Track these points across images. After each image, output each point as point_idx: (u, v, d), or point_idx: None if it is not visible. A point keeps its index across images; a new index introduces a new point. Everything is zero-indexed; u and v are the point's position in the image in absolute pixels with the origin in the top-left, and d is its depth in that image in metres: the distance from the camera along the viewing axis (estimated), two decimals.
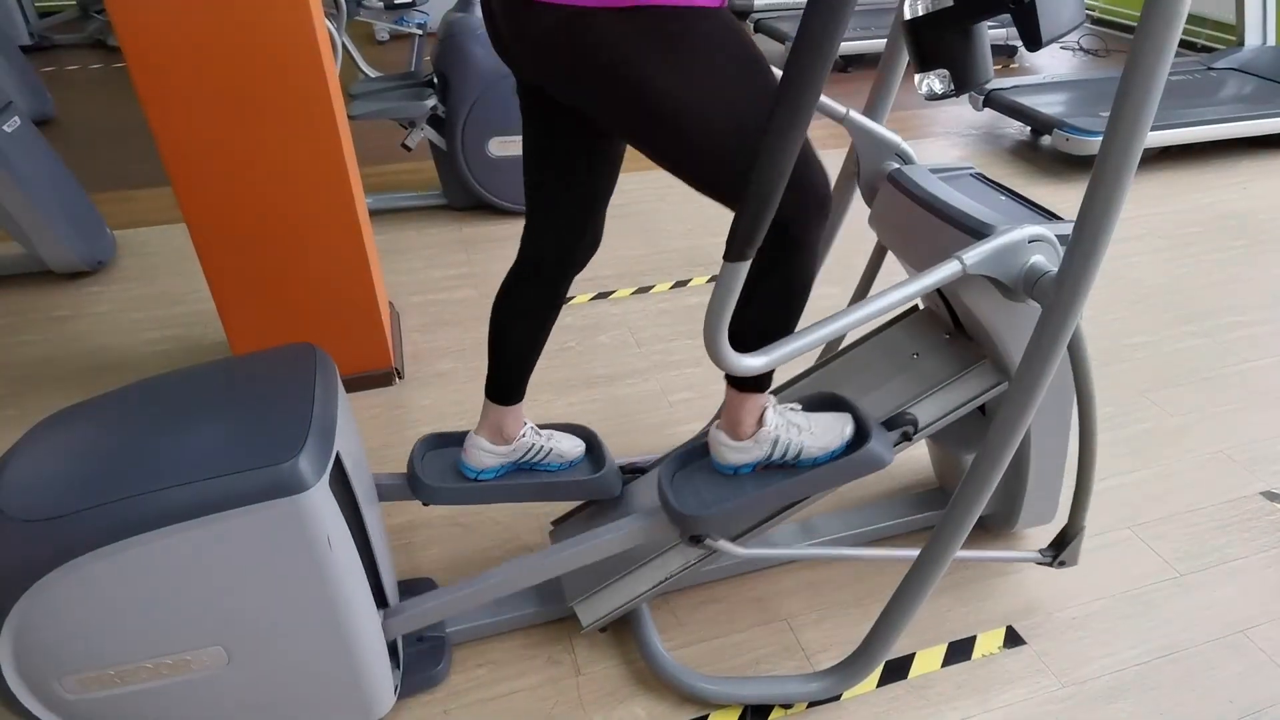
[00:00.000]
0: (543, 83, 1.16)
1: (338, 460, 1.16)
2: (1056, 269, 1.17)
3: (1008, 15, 0.93)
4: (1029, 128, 3.97)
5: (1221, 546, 1.75)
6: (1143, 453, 2.02)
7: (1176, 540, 1.77)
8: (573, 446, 1.56)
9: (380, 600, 1.32)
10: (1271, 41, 4.40)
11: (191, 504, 1.04)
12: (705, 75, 1.04)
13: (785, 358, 1.05)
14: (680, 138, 1.07)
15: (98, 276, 2.87)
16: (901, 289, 1.10)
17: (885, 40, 1.46)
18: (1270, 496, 1.88)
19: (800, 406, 1.38)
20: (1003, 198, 1.40)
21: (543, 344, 1.47)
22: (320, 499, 1.09)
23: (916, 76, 1.05)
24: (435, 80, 3.09)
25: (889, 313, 1.13)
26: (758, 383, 1.28)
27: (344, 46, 3.74)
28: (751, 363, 1.03)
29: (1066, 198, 3.37)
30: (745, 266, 0.93)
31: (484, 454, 1.48)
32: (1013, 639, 1.56)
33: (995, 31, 4.95)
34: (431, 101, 2.97)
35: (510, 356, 1.45)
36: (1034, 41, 0.89)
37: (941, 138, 4.08)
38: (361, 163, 2.53)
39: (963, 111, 4.37)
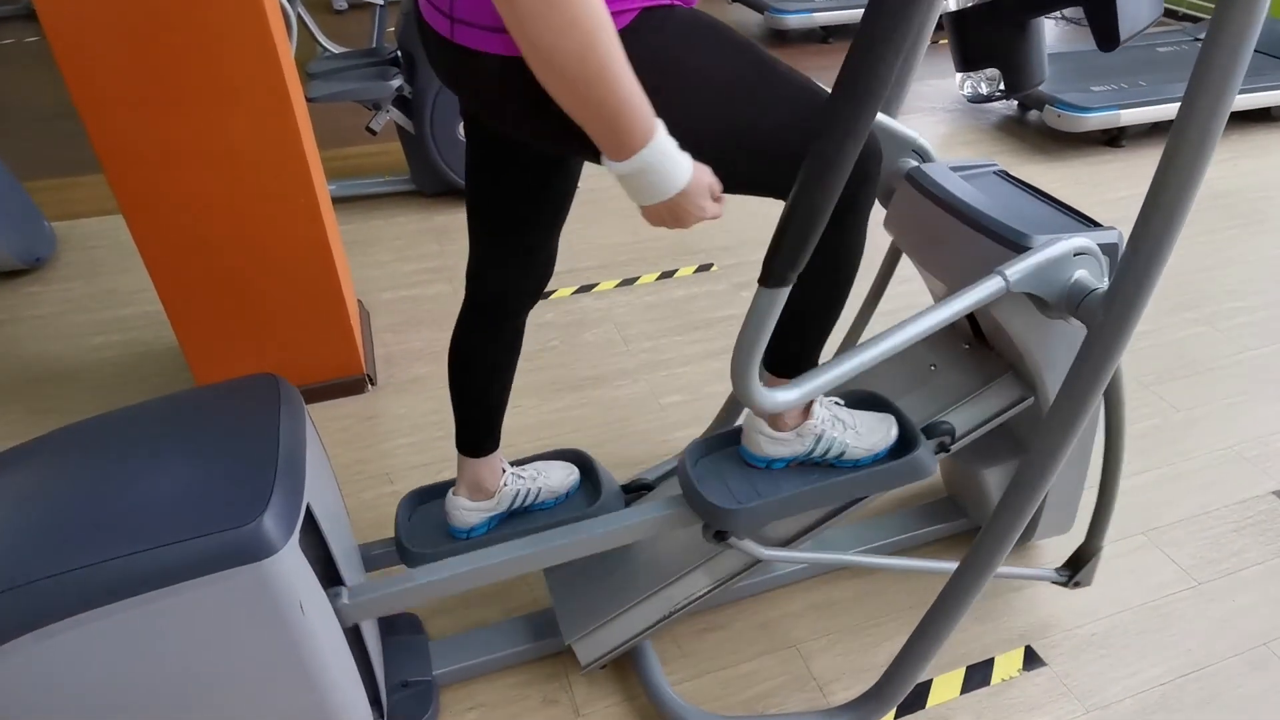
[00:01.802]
0: (490, 125, 1.03)
1: (309, 513, 1.03)
2: (1101, 284, 1.07)
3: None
4: (1017, 103, 3.87)
5: (1239, 551, 1.70)
6: (1151, 452, 1.95)
7: (1192, 546, 1.71)
8: (564, 477, 1.44)
9: (362, 652, 1.20)
10: None
11: (143, 576, 0.90)
12: (684, 89, 0.90)
13: (819, 389, 0.93)
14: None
15: (36, 275, 2.65)
16: (941, 311, 0.99)
17: None
18: None
19: (844, 402, 1.27)
20: (1032, 200, 1.30)
21: (509, 386, 1.34)
22: (289, 562, 0.95)
23: (959, 76, 0.92)
24: (400, 58, 2.89)
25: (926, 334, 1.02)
26: (803, 366, 1.13)
27: (299, 19, 3.50)
28: (785, 397, 0.91)
29: (1058, 177, 3.29)
30: (785, 293, 0.81)
31: (467, 513, 1.36)
32: (1032, 660, 1.49)
33: None
34: (397, 82, 2.77)
35: (476, 404, 1.32)
36: (1110, 39, 0.77)
37: (926, 113, 3.96)
38: (322, 145, 2.35)
39: (947, 84, 4.25)
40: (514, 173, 1.12)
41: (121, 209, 1.75)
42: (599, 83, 0.76)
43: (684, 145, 0.87)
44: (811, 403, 1.18)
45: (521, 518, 1.41)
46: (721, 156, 0.93)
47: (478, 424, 1.34)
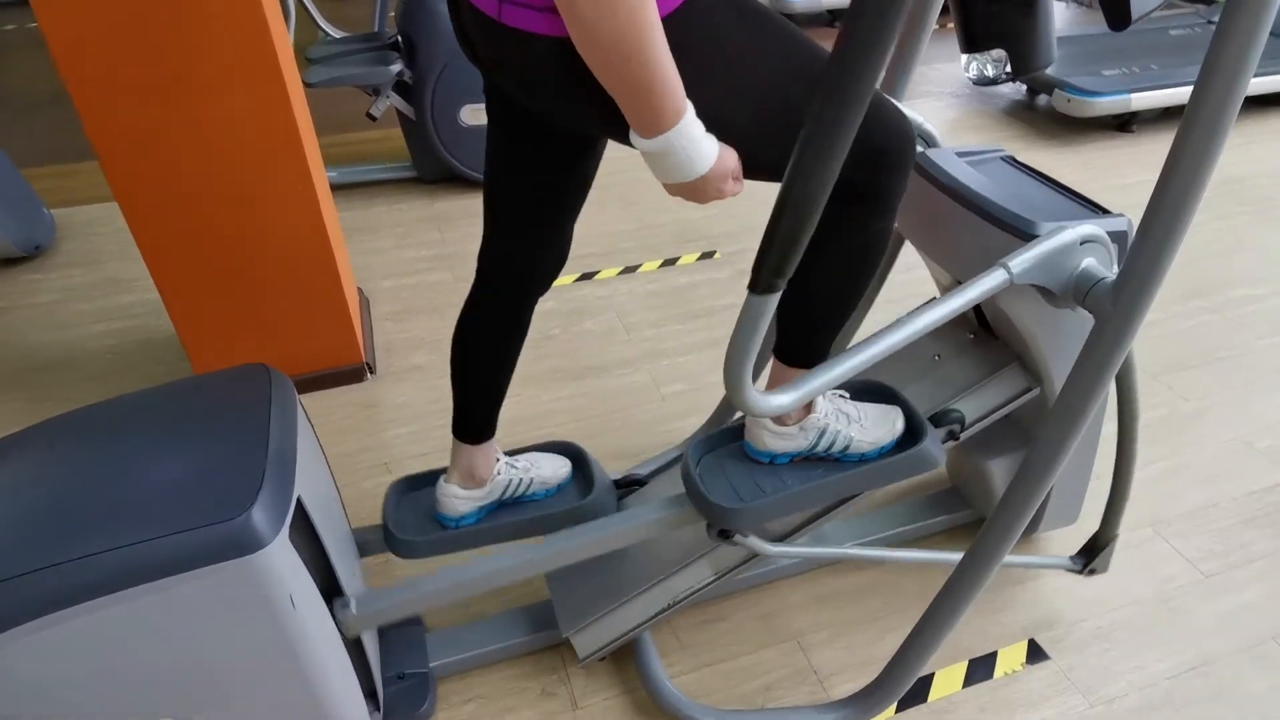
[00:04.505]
0: (530, 106, 1.01)
1: (299, 506, 1.01)
2: (1110, 273, 1.05)
3: None
4: (1025, 87, 3.81)
5: (1246, 544, 1.67)
6: (1160, 442, 1.93)
7: (1200, 538, 1.69)
8: (556, 469, 1.42)
9: (356, 647, 1.19)
10: None
11: (128, 571, 0.89)
12: (718, 76, 0.90)
13: (816, 391, 0.91)
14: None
15: (36, 263, 2.64)
16: (943, 306, 0.97)
17: None
18: None
19: (848, 395, 1.24)
20: (1040, 186, 1.26)
21: (511, 373, 1.33)
22: (279, 556, 0.94)
23: (964, 58, 0.89)
24: (400, 42, 2.86)
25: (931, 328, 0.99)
26: (817, 355, 1.12)
27: (298, 2, 3.46)
28: (780, 400, 0.89)
29: (1067, 162, 3.24)
30: (774, 299, 0.79)
31: (458, 501, 1.34)
32: (1035, 653, 1.48)
33: None
34: (397, 67, 2.74)
35: (477, 390, 1.31)
36: (1121, 19, 0.74)
37: (934, 98, 3.90)
38: (322, 131, 2.34)
39: (954, 69, 4.19)
40: (537, 158, 1.11)
41: (116, 197, 1.73)
42: (636, 59, 0.77)
43: (713, 128, 0.87)
44: (815, 397, 1.16)
45: (511, 508, 1.40)
46: (748, 145, 0.92)
47: (477, 410, 1.33)
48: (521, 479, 1.38)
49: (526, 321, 1.29)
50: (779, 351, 1.15)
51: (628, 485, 1.52)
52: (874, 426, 1.20)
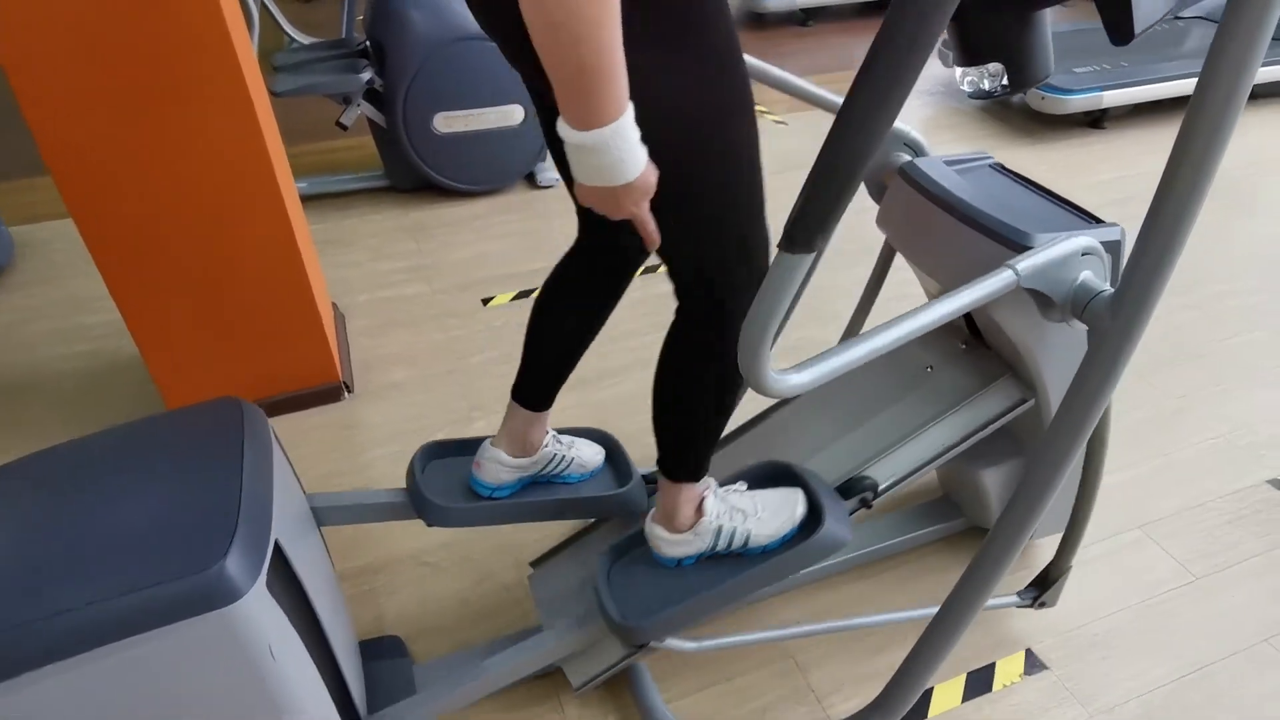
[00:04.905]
0: (522, 74, 0.98)
1: (278, 549, 0.96)
2: (1106, 286, 1.03)
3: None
4: None
5: (1235, 544, 1.68)
6: (1144, 442, 1.93)
7: (1188, 539, 1.69)
8: (594, 455, 1.41)
9: (341, 690, 1.14)
10: None
11: (96, 630, 0.84)
12: (685, 63, 0.87)
13: (838, 369, 0.86)
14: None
15: None
16: (946, 304, 0.93)
17: None
18: (1277, 485, 1.81)
19: (745, 485, 1.25)
20: (1030, 194, 1.25)
21: (590, 341, 1.30)
22: (256, 606, 0.89)
23: (959, 71, 0.87)
24: (370, 49, 2.79)
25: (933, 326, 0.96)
26: (693, 472, 1.15)
27: (263, 8, 3.37)
28: (797, 380, 0.83)
29: (1041, 160, 3.25)
30: (808, 260, 0.73)
31: (502, 469, 1.31)
32: (1033, 663, 1.46)
33: None
34: (367, 74, 2.67)
35: (552, 356, 1.28)
36: (1124, 34, 0.72)
37: (909, 96, 3.90)
38: (291, 141, 2.26)
39: (928, 68, 4.20)
40: None
41: (72, 215, 1.66)
42: (588, 42, 0.70)
43: (646, 139, 0.81)
44: (704, 500, 1.18)
45: (544, 487, 1.37)
46: (675, 178, 0.88)
47: (548, 375, 1.30)
48: (565, 455, 1.36)
49: (621, 290, 1.27)
50: (660, 464, 1.17)
51: (654, 481, 1.49)
52: (772, 516, 1.19)
